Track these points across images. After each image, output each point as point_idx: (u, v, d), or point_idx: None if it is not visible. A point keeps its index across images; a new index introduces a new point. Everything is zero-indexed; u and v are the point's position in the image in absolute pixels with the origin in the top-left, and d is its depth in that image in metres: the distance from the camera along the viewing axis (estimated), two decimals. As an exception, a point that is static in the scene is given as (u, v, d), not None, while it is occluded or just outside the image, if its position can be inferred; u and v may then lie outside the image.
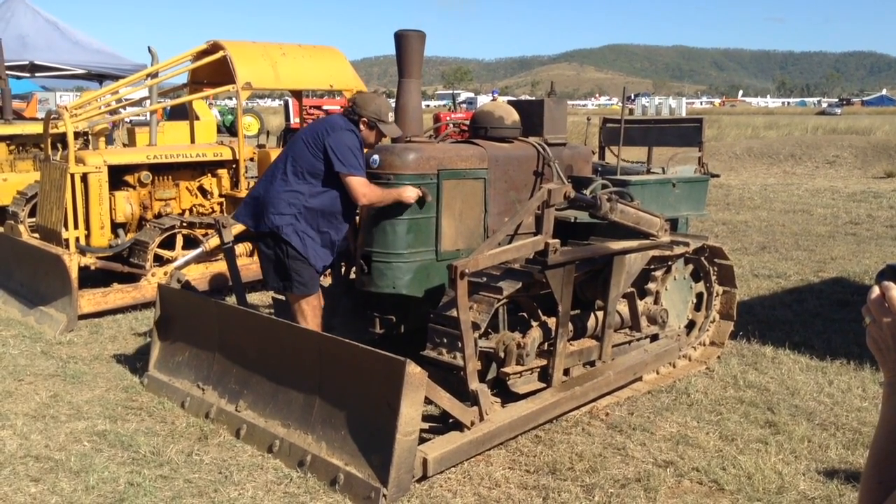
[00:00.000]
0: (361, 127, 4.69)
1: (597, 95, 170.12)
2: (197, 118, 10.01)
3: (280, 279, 4.71)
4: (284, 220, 4.55)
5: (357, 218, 5.02)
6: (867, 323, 1.25)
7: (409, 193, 4.53)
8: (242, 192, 7.63)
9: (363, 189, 4.52)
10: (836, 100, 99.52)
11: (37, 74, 12.88)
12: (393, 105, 5.06)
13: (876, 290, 1.23)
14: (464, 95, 60.47)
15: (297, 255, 4.58)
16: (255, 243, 4.90)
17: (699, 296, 5.69)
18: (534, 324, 4.52)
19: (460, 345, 3.93)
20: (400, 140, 5.00)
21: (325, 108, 25.86)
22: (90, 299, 6.53)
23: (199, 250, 7.03)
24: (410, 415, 3.49)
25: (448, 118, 18.58)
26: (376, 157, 4.67)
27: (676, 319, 5.46)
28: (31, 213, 8.26)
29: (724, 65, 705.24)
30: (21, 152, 9.85)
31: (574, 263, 4.36)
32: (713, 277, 5.67)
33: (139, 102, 9.70)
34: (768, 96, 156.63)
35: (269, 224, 4.59)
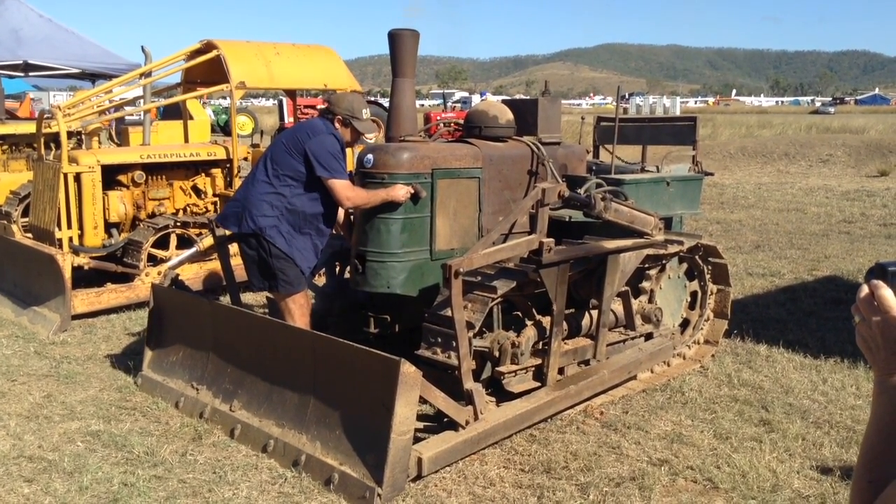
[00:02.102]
0: (336, 125, 4.70)
1: (591, 95, 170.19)
2: (191, 118, 9.99)
3: (265, 279, 4.71)
4: (268, 222, 4.56)
5: (351, 217, 5.02)
6: (857, 322, 1.25)
7: (399, 192, 4.50)
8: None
9: (347, 192, 4.53)
10: (830, 99, 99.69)
11: (30, 74, 12.83)
12: (371, 101, 5.09)
13: (865, 289, 1.23)
14: (458, 95, 60.37)
15: (281, 254, 4.58)
16: (238, 245, 4.86)
17: (693, 294, 5.70)
18: (528, 323, 4.52)
19: (455, 344, 3.92)
20: (393, 138, 5.00)
21: (319, 107, 25.86)
22: (84, 299, 6.51)
23: (192, 250, 7.01)
24: (405, 414, 3.48)
25: (438, 117, 18.61)
26: (370, 156, 4.66)
27: (671, 318, 5.47)
28: (25, 213, 8.23)
29: (718, 64, 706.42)
30: (14, 152, 9.82)
31: (568, 262, 4.36)
32: (707, 276, 5.68)
33: (133, 102, 9.67)
34: (762, 95, 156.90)
35: (251, 226, 4.59)
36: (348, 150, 4.92)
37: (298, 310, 4.69)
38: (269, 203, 4.57)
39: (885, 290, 1.20)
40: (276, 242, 4.56)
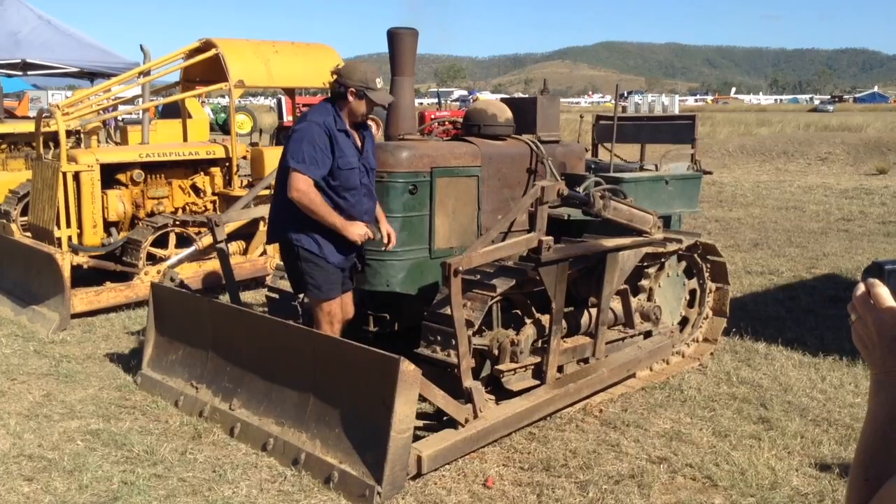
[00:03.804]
0: (350, 98, 4.27)
1: (590, 93, 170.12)
2: (189, 116, 9.98)
3: (297, 283, 4.51)
4: (292, 227, 4.33)
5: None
6: (853, 320, 1.26)
7: (355, 231, 4.23)
8: (236, 191, 7.61)
9: (298, 184, 4.12)
10: (829, 97, 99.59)
11: (29, 73, 12.83)
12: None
13: (861, 287, 1.23)
14: (457, 93, 60.35)
15: (308, 256, 4.32)
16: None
17: (692, 292, 5.70)
18: (527, 321, 4.53)
19: (454, 342, 3.93)
20: (392, 137, 4.99)
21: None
22: (83, 298, 6.51)
23: (191, 249, 7.03)
24: (405, 412, 3.49)
25: (433, 116, 18.62)
26: (370, 155, 4.65)
27: (670, 316, 5.47)
28: (24, 212, 8.23)
29: (716, 62, 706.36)
30: (13, 151, 9.82)
31: (567, 261, 4.36)
32: (706, 274, 5.68)
33: (131, 100, 9.67)
34: (761, 93, 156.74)
35: (280, 236, 4.43)
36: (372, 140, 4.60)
37: (325, 318, 4.41)
38: (289, 210, 4.29)
39: (881, 288, 1.20)
40: (303, 244, 4.30)
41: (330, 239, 4.30)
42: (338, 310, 4.48)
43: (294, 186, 4.13)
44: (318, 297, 4.39)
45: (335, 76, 4.33)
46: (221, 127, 27.81)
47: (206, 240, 6.54)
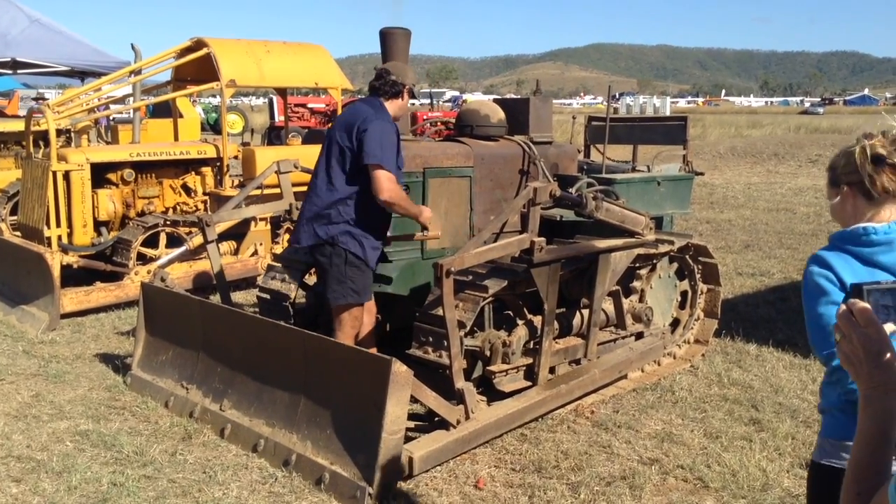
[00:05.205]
0: (405, 97, 4.42)
1: (582, 94, 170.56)
2: (180, 116, 9.95)
3: (332, 286, 4.41)
4: (339, 229, 4.28)
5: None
6: (838, 339, 1.29)
7: (426, 214, 4.41)
8: (226, 191, 7.59)
9: (388, 184, 4.13)
10: (819, 99, 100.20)
11: (18, 71, 12.76)
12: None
13: (843, 307, 1.27)
14: (448, 94, 60.39)
15: (356, 262, 4.30)
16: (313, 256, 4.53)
17: (684, 294, 5.71)
18: (519, 322, 4.52)
19: (446, 343, 3.92)
20: None
21: (309, 105, 25.82)
22: (73, 298, 6.47)
23: (182, 249, 7.00)
24: (396, 413, 3.48)
25: (425, 117, 18.66)
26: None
27: (661, 317, 5.48)
28: (13, 212, 8.19)
29: (707, 64, 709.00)
30: (2, 150, 9.76)
31: (559, 262, 4.36)
32: (697, 276, 5.69)
33: (122, 100, 9.64)
34: (752, 95, 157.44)
35: (323, 235, 4.34)
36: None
37: (353, 322, 4.42)
38: (336, 210, 4.29)
39: (863, 306, 1.24)
40: (350, 248, 4.28)
41: (370, 243, 4.33)
42: (361, 313, 4.51)
43: (384, 187, 4.13)
44: (357, 301, 4.40)
45: (388, 74, 4.38)
46: (212, 126, 27.74)
47: (197, 240, 6.51)
